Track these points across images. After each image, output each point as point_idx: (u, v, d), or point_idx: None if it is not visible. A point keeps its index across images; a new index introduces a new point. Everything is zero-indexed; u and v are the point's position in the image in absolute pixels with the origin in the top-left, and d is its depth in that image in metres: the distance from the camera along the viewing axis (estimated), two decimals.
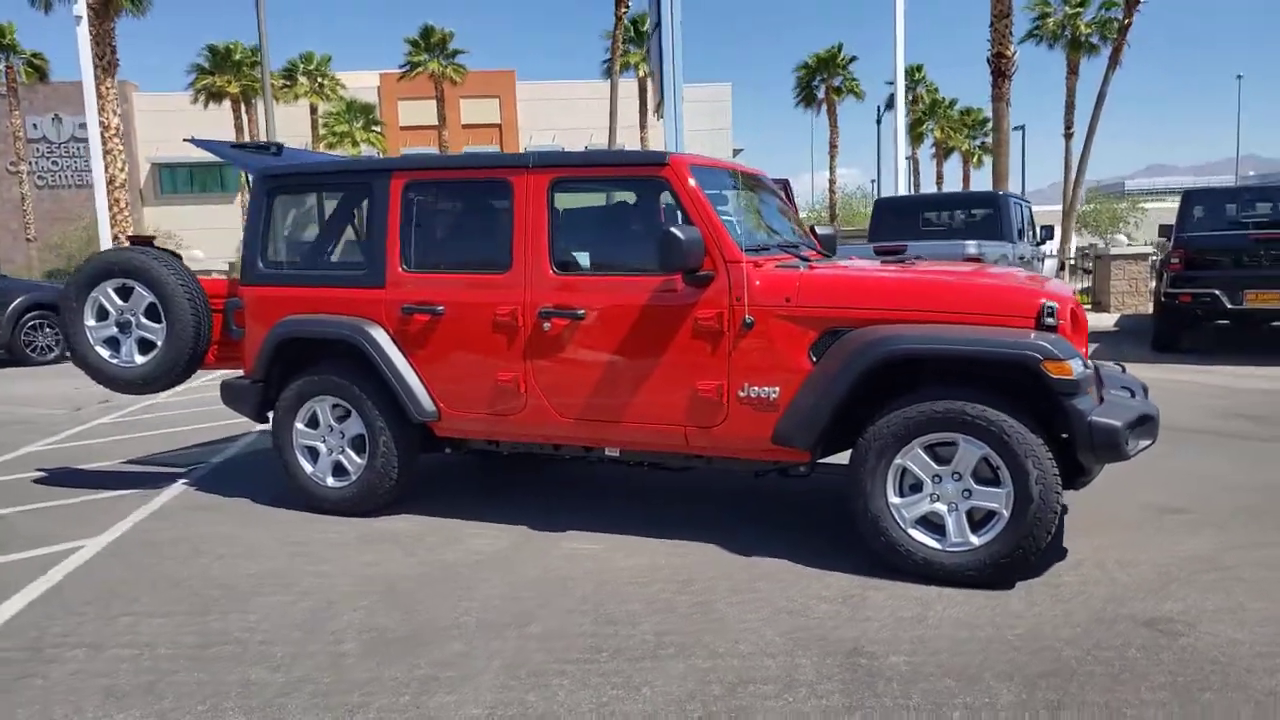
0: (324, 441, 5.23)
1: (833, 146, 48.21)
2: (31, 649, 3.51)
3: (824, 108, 48.08)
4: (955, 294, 4.17)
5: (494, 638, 3.57)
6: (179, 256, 5.62)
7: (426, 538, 4.83)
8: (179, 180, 47.48)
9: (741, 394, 4.37)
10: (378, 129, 47.53)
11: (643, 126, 46.75)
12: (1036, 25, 37.12)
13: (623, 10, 34.53)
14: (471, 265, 4.94)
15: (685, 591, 4.00)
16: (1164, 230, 13.74)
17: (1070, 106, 38.04)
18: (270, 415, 5.41)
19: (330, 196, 5.57)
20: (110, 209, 16.81)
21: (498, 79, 52.83)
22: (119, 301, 5.55)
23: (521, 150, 54.36)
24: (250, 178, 5.57)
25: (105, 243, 14.96)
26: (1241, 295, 10.54)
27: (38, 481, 6.18)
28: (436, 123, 48.16)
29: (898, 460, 4.06)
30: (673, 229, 4.27)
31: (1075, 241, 32.74)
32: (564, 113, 53.86)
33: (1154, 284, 16.61)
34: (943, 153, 52.84)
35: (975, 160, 52.29)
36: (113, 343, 5.59)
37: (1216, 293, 10.62)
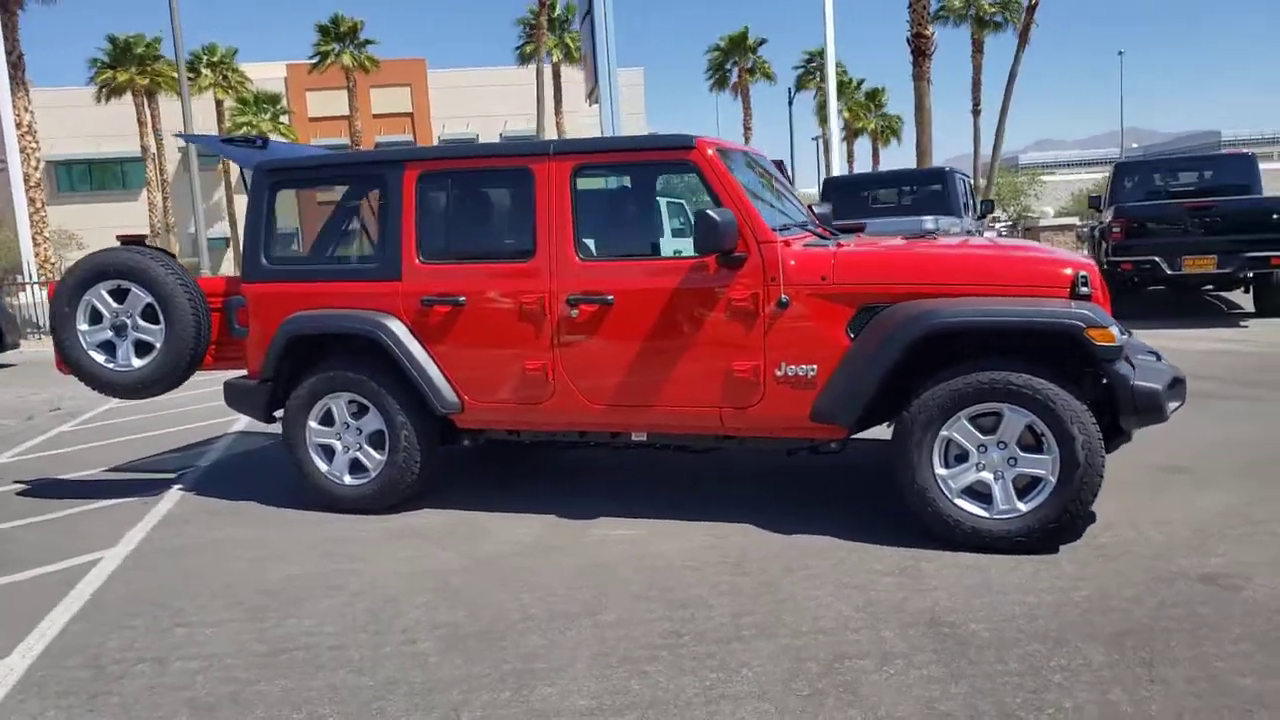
0: (339, 439, 5.09)
1: (747, 129, 48.74)
2: (94, 666, 3.35)
3: (737, 91, 48.51)
4: (990, 267, 4.27)
5: (569, 628, 3.53)
6: (173, 255, 5.39)
7: (455, 531, 4.75)
8: (76, 178, 45.50)
9: (779, 373, 4.40)
10: (285, 120, 46.34)
11: (558, 112, 46.63)
12: (942, 6, 38.19)
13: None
14: (493, 254, 4.86)
15: (741, 573, 4.02)
16: (1093, 201, 14.27)
17: (977, 84, 39.26)
18: (280, 415, 5.24)
19: (337, 189, 5.38)
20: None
21: (408, 67, 51.92)
22: (114, 304, 5.29)
23: (436, 139, 53.69)
24: (244, 171, 5.36)
25: (25, 243, 14.20)
26: (1180, 261, 11.04)
27: (22, 494, 5.87)
28: (347, 113, 47.20)
29: (944, 432, 4.13)
30: (708, 211, 4.26)
31: None
32: (477, 100, 53.34)
33: (1083, 253, 17.27)
34: (852, 133, 53.82)
35: (883, 140, 53.40)
36: (108, 347, 5.33)
37: (1156, 259, 11.10)
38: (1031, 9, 24.41)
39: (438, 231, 4.92)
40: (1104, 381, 4.09)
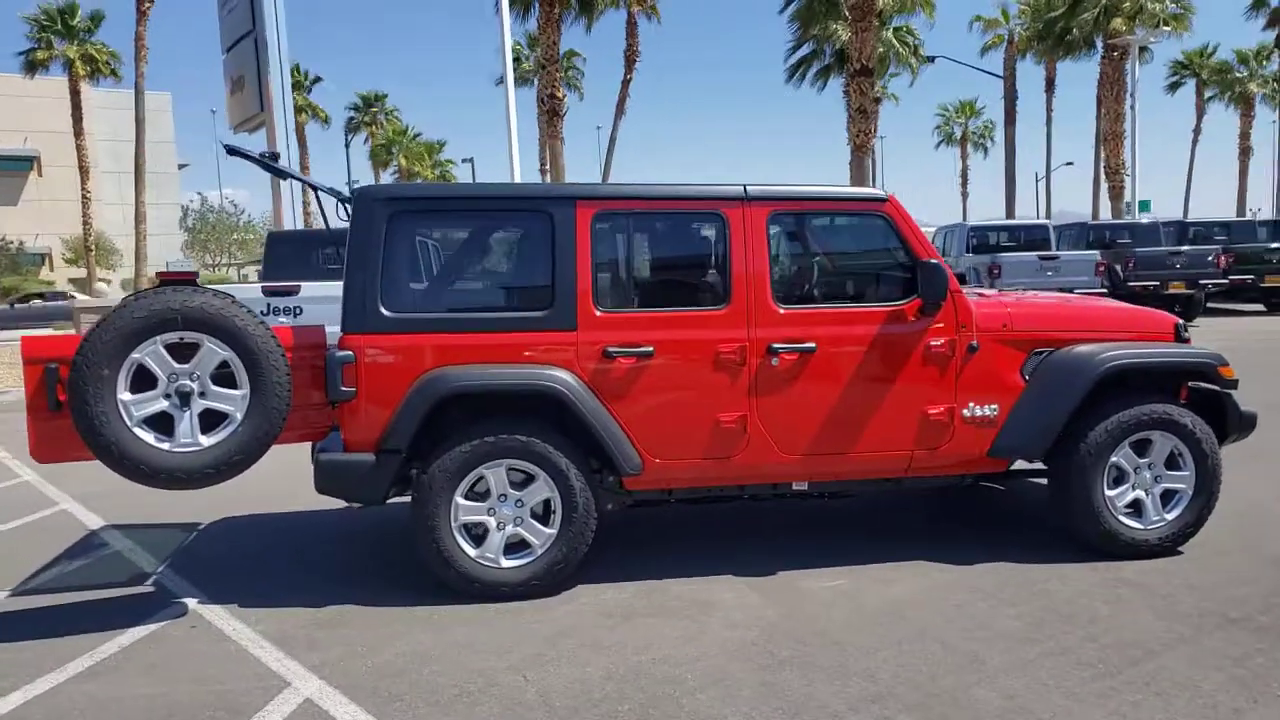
0: (492, 514, 4.34)
1: (304, 167, 46.60)
2: None
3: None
4: (1126, 318, 5.06)
5: (1001, 675, 3.53)
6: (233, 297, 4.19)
7: (663, 603, 4.32)
8: None
9: (966, 414, 4.73)
10: None
11: (78, 134, 40.87)
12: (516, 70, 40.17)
13: (147, 5, 29.26)
14: (681, 301, 4.56)
15: (1010, 603, 4.25)
16: None
17: (543, 145, 41.79)
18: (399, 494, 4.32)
19: (479, 226, 4.56)
20: None
21: None
22: (174, 364, 3.96)
23: None
24: (320, 196, 4.36)
25: None
26: None
27: None
28: None
29: (1113, 458, 4.78)
30: (934, 262, 4.51)
31: None
32: None
33: None
34: (407, 178, 54.00)
35: None
36: (160, 421, 3.96)
37: None
38: (626, 83, 27.00)
39: (619, 277, 4.49)
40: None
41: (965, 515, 5.79)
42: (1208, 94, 52.50)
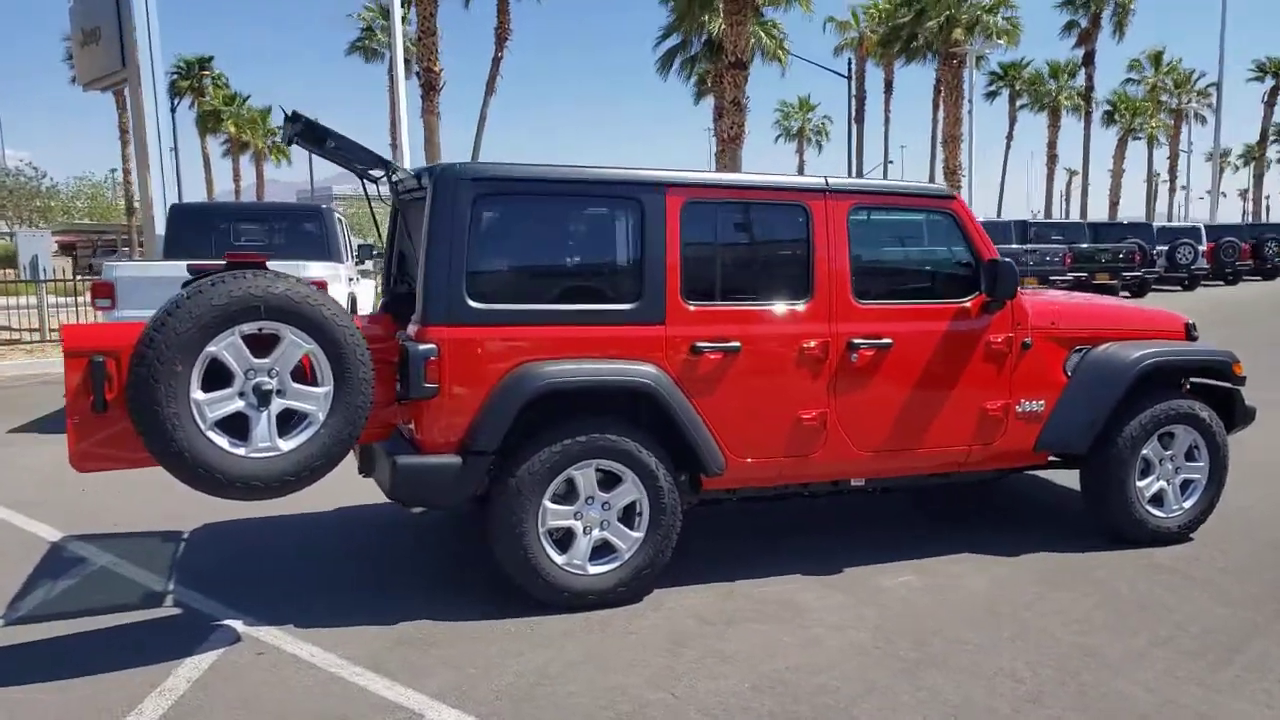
0: (579, 518, 4.10)
1: (124, 132, 42.94)
2: None
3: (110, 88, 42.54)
4: (1147, 317, 5.30)
5: (1129, 669, 3.62)
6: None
7: (753, 607, 4.20)
8: None
9: (1019, 409, 4.84)
10: None
11: None
12: (361, 39, 38.58)
13: None
14: (765, 295, 4.42)
15: (1082, 594, 4.37)
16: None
17: (395, 123, 40.26)
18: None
19: (565, 211, 4.23)
20: None
21: None
22: (253, 358, 3.49)
23: None
24: (365, 184, 3.98)
25: None
26: None
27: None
28: None
29: (1144, 451, 5.00)
30: (1006, 260, 4.58)
31: None
32: None
33: None
34: (238, 147, 50.84)
35: (275, 158, 51.60)
36: (234, 424, 3.48)
37: None
38: (496, 61, 26.29)
39: (706, 268, 4.31)
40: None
41: (962, 506, 5.93)
42: (1020, 103, 56.32)
